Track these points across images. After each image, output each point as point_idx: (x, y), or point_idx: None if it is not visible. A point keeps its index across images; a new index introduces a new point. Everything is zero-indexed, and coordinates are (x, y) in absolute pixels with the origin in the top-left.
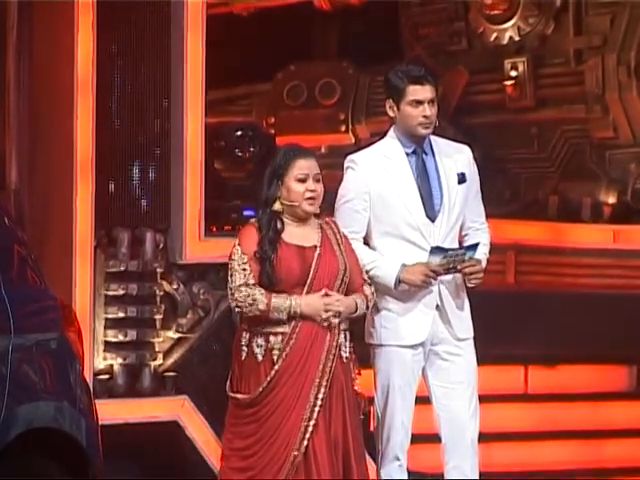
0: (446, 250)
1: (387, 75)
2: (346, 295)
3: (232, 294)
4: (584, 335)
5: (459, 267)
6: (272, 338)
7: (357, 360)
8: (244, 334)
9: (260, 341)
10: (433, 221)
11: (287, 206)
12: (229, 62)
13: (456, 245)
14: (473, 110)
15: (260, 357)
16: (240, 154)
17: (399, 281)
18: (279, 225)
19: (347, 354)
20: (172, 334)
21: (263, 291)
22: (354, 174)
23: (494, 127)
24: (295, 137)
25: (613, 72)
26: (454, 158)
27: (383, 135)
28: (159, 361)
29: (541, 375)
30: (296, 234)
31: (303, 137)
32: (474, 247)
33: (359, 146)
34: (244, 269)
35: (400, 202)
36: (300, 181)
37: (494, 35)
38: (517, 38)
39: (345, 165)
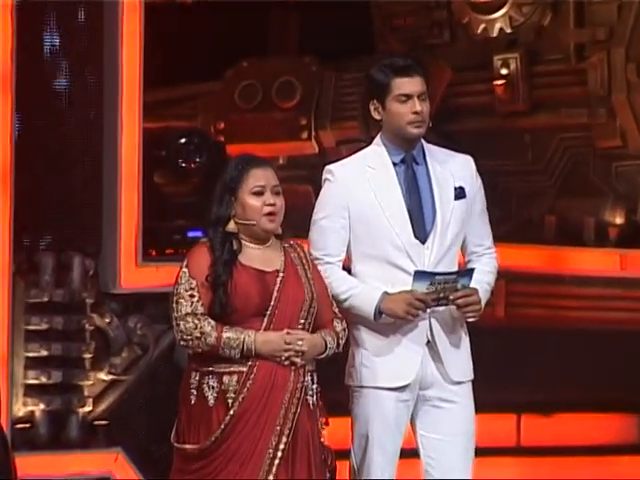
0: (433, 275)
1: (369, 72)
2: (313, 331)
3: (177, 325)
4: (585, 378)
5: (451, 297)
6: (226, 378)
7: (325, 407)
8: (193, 374)
9: (212, 382)
10: (423, 242)
11: (243, 225)
12: (171, 58)
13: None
14: (456, 114)
15: (212, 401)
16: (184, 165)
17: (380, 312)
18: (235, 245)
19: (314, 399)
20: (104, 376)
21: (213, 323)
22: (331, 187)
23: (481, 134)
24: (248, 146)
25: (620, 70)
26: (451, 169)
27: (369, 142)
28: (89, 407)
29: (536, 425)
30: (255, 256)
31: (258, 146)
32: (469, 273)
33: (323, 156)
34: (192, 296)
35: (384, 220)
36: (256, 194)
37: (482, 26)
38: (508, 30)
39: (323, 177)
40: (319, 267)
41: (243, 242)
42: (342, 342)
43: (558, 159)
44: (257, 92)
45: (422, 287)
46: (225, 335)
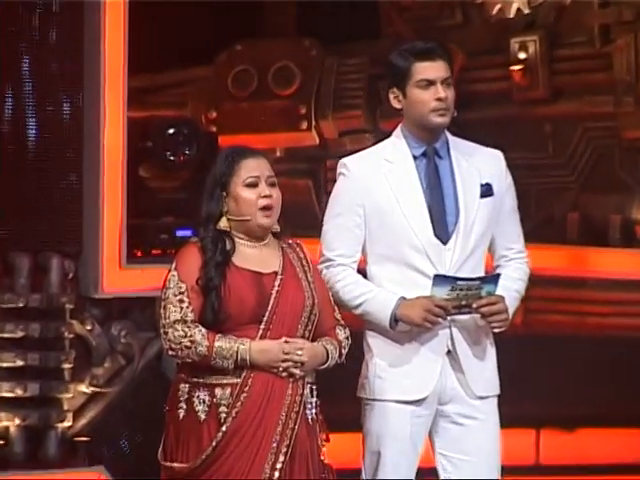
0: (455, 280)
1: (388, 59)
2: (313, 339)
3: (165, 333)
4: (611, 390)
5: (474, 305)
6: (218, 391)
7: (325, 423)
8: (182, 386)
9: (203, 395)
10: (445, 243)
11: (236, 222)
12: (158, 40)
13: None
14: (470, 102)
15: (203, 415)
16: (172, 158)
17: (395, 319)
18: (228, 245)
19: (313, 414)
20: (85, 388)
21: (204, 331)
22: (346, 182)
23: (497, 124)
24: (243, 137)
25: None
26: (478, 164)
27: (387, 136)
28: (68, 422)
29: (556, 441)
30: (251, 257)
31: (253, 136)
32: (494, 279)
33: (324, 148)
34: (181, 301)
35: (402, 218)
36: (250, 186)
37: (497, 7)
38: (527, 11)
39: (337, 171)
40: (331, 269)
41: (237, 241)
42: (345, 352)
43: (581, 151)
44: (252, 78)
45: (442, 292)
46: (217, 344)
